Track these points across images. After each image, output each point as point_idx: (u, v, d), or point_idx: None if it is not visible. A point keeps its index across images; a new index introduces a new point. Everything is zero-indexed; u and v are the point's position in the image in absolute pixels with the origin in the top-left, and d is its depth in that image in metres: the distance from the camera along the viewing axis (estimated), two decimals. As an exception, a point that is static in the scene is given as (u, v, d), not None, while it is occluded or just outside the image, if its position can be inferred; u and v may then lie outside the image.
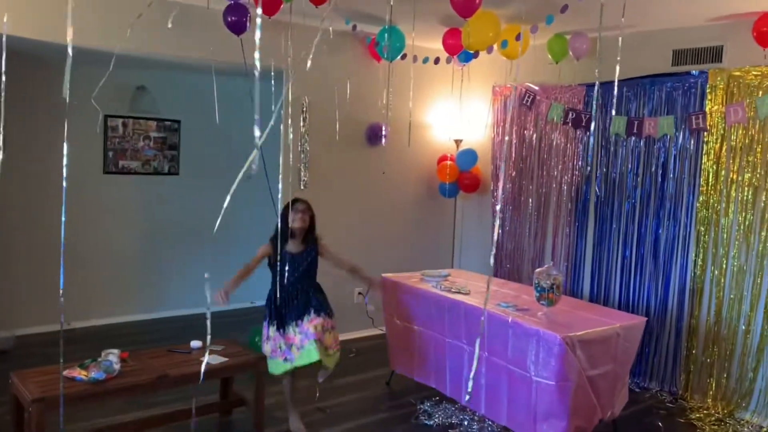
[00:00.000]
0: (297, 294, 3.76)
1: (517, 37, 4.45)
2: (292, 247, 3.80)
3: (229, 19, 4.22)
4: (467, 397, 4.05)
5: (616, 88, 5.00)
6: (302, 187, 5.47)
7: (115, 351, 3.44)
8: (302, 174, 5.50)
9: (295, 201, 3.80)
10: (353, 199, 5.85)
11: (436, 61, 5.25)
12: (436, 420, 4.14)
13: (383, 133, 5.80)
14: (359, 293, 5.93)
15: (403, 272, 4.89)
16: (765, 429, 4.19)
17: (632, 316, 3.94)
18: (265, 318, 3.82)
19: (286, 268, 3.69)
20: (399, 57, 5.00)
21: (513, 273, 5.97)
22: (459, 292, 4.19)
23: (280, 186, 5.41)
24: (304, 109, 5.42)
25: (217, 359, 3.67)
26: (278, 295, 3.73)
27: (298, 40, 5.09)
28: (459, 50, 4.98)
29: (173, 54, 4.91)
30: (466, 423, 4.10)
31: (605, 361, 3.57)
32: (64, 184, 1.91)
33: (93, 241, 5.87)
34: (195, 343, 3.85)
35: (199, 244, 6.51)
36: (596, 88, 5.19)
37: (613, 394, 3.69)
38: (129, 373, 3.32)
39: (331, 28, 5.29)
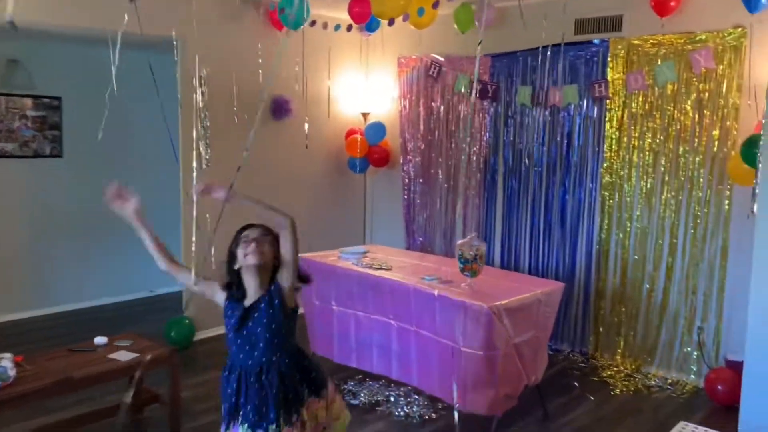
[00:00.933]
0: (268, 373, 2.29)
1: (435, 5, 4.35)
2: (251, 298, 2.34)
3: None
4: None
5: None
6: (204, 166, 5.14)
7: (7, 355, 3.05)
8: (204, 152, 5.17)
9: (249, 224, 2.47)
10: (259, 177, 5.57)
11: (349, 28, 5.07)
12: (362, 398, 4.05)
13: (288, 106, 5.56)
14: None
15: (316, 251, 4.73)
16: (669, 380, 4.44)
17: (551, 282, 4.02)
18: (223, 418, 2.35)
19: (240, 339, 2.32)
20: (306, 24, 4.77)
21: (426, 246, 5.97)
22: (381, 268, 4.10)
23: (180, 166, 5.09)
24: (202, 82, 5.07)
25: (126, 355, 3.37)
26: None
27: (196, 7, 4.79)
28: (366, 19, 4.82)
29: (51, 23, 4.42)
30: (392, 399, 4.05)
31: (529, 327, 3.62)
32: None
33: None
34: (99, 340, 3.51)
35: (89, 232, 6.02)
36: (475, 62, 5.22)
37: (536, 359, 3.76)
38: (27, 379, 2.97)
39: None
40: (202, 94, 5.03)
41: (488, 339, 3.37)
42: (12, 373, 2.92)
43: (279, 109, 5.55)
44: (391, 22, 4.37)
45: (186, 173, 5.08)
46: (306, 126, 5.63)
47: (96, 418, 3.49)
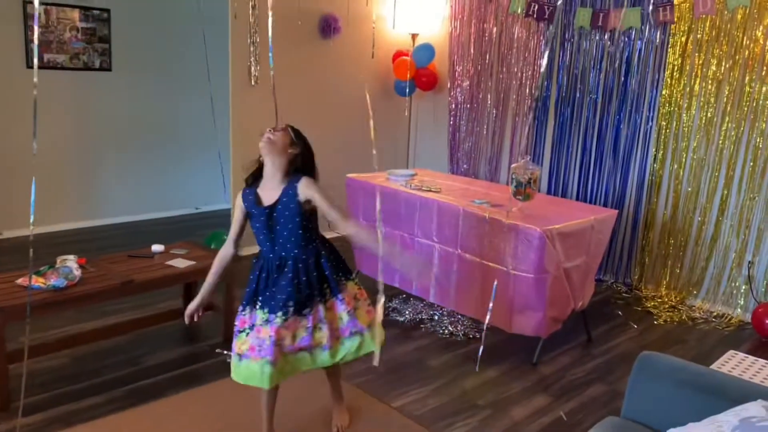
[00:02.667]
0: (283, 268, 2.44)
1: None
2: (265, 193, 2.46)
3: None
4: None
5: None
6: (253, 83, 5.12)
7: (71, 257, 3.17)
8: (252, 69, 5.13)
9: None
10: (307, 97, 5.54)
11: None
12: (407, 316, 4.13)
13: (337, 24, 5.44)
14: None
15: (362, 173, 4.72)
16: (715, 313, 4.42)
17: (604, 210, 3.97)
18: (244, 301, 2.52)
19: (263, 231, 2.46)
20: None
21: (470, 173, 5.92)
22: (430, 191, 4.08)
23: (230, 82, 5.07)
24: (252, -3, 4.97)
25: (183, 263, 3.47)
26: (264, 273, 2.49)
27: None
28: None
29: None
30: (436, 318, 4.12)
31: (580, 253, 3.60)
32: None
33: (18, 145, 5.36)
34: (156, 247, 3.61)
35: (138, 146, 6.11)
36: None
37: (585, 285, 3.76)
38: (91, 280, 3.08)
39: None
40: (253, 8, 4.94)
41: (539, 262, 3.36)
42: (78, 273, 3.03)
43: (327, 27, 5.44)
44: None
45: (235, 90, 5.06)
46: (341, 47, 5.52)
47: (153, 322, 3.63)
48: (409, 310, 4.22)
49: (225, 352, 3.42)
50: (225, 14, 4.95)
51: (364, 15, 5.71)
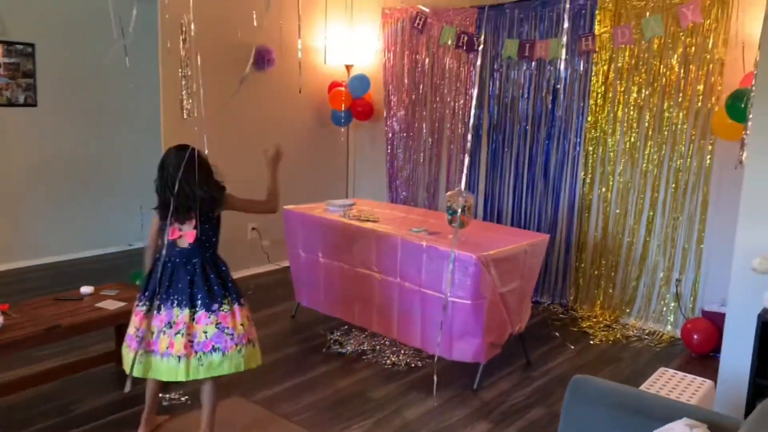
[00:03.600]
0: (187, 265, 2.70)
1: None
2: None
3: None
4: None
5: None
6: (185, 117, 5.05)
7: (-8, 304, 3.02)
8: (184, 103, 5.06)
9: (178, 150, 2.76)
10: (241, 128, 5.50)
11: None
12: (349, 348, 4.10)
13: (271, 56, 5.45)
14: (253, 228, 5.69)
15: (300, 204, 4.71)
16: (647, 331, 4.57)
17: (537, 234, 4.07)
18: (142, 298, 2.74)
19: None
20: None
21: (409, 200, 5.98)
22: (368, 220, 4.10)
23: (161, 116, 5.00)
24: (183, 29, 4.93)
25: (113, 304, 3.35)
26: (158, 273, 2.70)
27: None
28: (352, -33, 4.72)
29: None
30: (378, 348, 4.10)
31: (514, 277, 3.67)
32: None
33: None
34: (85, 289, 3.48)
35: (66, 182, 5.91)
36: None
37: (521, 308, 3.83)
38: (14, 327, 2.93)
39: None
40: (184, 42, 4.90)
41: (476, 288, 3.41)
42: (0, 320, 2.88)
43: (261, 59, 5.44)
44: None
45: (166, 123, 4.98)
46: (275, 78, 5.55)
47: (83, 367, 3.48)
48: (351, 341, 4.19)
49: (161, 395, 3.31)
50: (155, 48, 4.89)
51: (296, 46, 5.73)
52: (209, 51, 5.05)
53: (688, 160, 4.37)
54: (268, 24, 5.37)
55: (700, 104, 4.27)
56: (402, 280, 3.78)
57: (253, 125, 5.56)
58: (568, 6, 4.73)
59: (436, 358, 3.56)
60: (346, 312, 4.23)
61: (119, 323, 3.45)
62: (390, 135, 6.05)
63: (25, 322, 3.00)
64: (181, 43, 4.92)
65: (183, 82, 5.00)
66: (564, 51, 4.75)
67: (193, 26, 4.73)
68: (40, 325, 2.98)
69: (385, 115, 6.04)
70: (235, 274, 5.34)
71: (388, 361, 3.93)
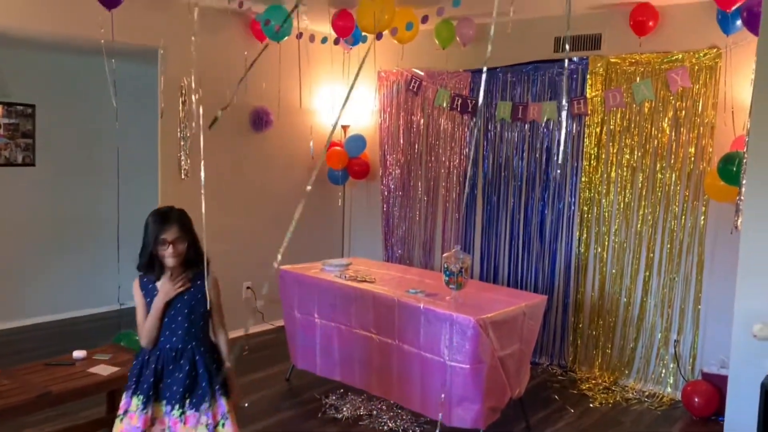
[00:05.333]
0: (179, 359, 2.51)
1: (424, 19, 4.40)
2: (168, 283, 2.55)
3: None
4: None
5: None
6: (183, 177, 5.08)
7: (-17, 370, 2.96)
8: (183, 163, 5.11)
9: (162, 216, 2.52)
10: (239, 188, 5.53)
11: (336, 41, 5.05)
12: (345, 413, 4.02)
13: (269, 117, 5.53)
14: (248, 287, 5.65)
15: (295, 263, 4.70)
16: (647, 393, 4.50)
17: (535, 295, 4.06)
18: (128, 384, 2.56)
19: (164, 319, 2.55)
20: (291, 36, 4.77)
21: (405, 259, 5.97)
22: (365, 281, 4.08)
23: (159, 176, 5.03)
24: (183, 91, 5.02)
25: (106, 369, 3.28)
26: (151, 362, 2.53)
27: (176, 18, 4.76)
28: (349, 32, 4.85)
29: (27, 29, 4.33)
30: (375, 413, 4.02)
31: (513, 340, 3.64)
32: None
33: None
34: (78, 354, 3.42)
35: (60, 243, 5.88)
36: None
37: (520, 372, 3.78)
38: (4, 394, 2.86)
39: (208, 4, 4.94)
40: (183, 103, 4.97)
41: (475, 352, 3.37)
42: (-11, 388, 2.82)
43: (259, 120, 5.51)
44: (379, 36, 4.38)
45: (165, 184, 5.01)
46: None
47: (74, 434, 3.40)
48: (347, 406, 4.11)
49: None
50: (154, 109, 4.96)
51: (295, 108, 5.82)
52: (208, 112, 5.12)
53: (682, 220, 4.41)
54: (267, 85, 5.47)
55: (692, 166, 4.34)
56: (400, 343, 3.74)
57: (251, 185, 5.59)
58: (566, 73, 4.85)
59: (438, 427, 3.49)
60: (344, 374, 4.16)
61: (111, 389, 3.39)
62: (386, 193, 6.09)
63: (15, 389, 2.93)
64: (181, 104, 4.99)
65: (182, 143, 5.06)
66: (558, 113, 4.85)
67: (194, 86, 4.82)
68: (30, 393, 2.91)
69: (380, 173, 6.10)
70: (231, 334, 5.27)
71: (386, 427, 3.85)
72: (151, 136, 5.09)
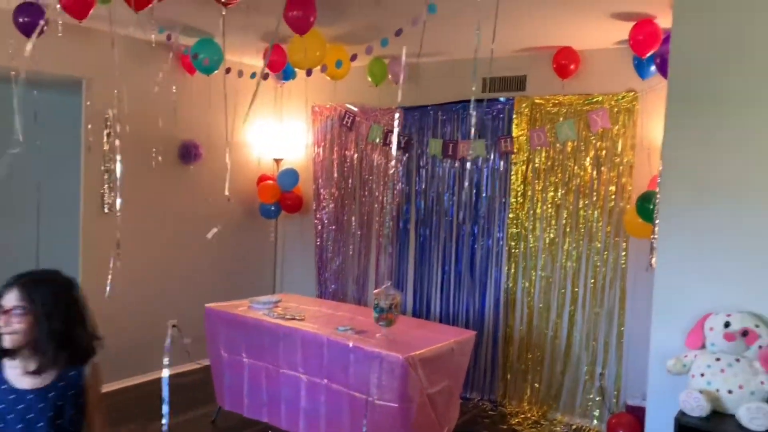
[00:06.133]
0: None
1: (353, 58, 4.44)
2: (18, 375, 1.90)
3: (21, 20, 3.65)
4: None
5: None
6: (106, 211, 4.91)
7: None
8: (106, 197, 4.94)
9: (14, 278, 1.95)
10: (167, 222, 5.38)
11: (265, 76, 5.04)
12: (273, 456, 3.90)
13: (198, 150, 5.43)
14: (173, 325, 5.45)
15: (225, 300, 4.59)
16: (574, 426, 4.58)
17: (463, 331, 4.09)
18: None
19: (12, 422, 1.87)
20: (220, 71, 4.73)
21: (338, 294, 5.93)
22: (294, 318, 4.02)
23: (80, 210, 4.85)
24: (108, 124, 4.88)
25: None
26: None
27: (102, 49, 4.65)
28: (281, 67, 4.84)
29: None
30: (304, 455, 3.92)
31: (442, 377, 3.64)
32: None
33: None
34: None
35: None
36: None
37: (449, 409, 3.78)
38: None
39: (137, 36, 4.85)
40: (108, 136, 4.83)
41: (403, 390, 3.35)
42: None
43: (188, 153, 5.41)
44: (309, 72, 4.40)
45: (87, 220, 4.83)
46: (203, 172, 5.55)
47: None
48: (275, 447, 4.00)
49: None
50: (77, 141, 4.80)
51: (225, 141, 5.74)
52: (134, 145, 5.00)
53: (605, 256, 4.55)
54: (197, 118, 5.39)
55: (612, 204, 4.51)
56: (329, 382, 3.68)
57: (179, 219, 5.45)
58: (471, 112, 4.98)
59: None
60: (271, 415, 4.05)
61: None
62: (319, 228, 6.06)
63: None
64: (105, 136, 4.85)
65: (105, 176, 4.89)
66: (487, 151, 4.97)
67: (117, 122, 4.70)
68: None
69: (314, 207, 6.06)
70: (153, 375, 5.12)
71: (314, 469, 3.75)
72: (73, 170, 4.91)
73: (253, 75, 4.75)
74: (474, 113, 4.27)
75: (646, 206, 3.94)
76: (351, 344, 3.56)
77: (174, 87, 5.02)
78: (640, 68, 4.22)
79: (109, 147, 4.90)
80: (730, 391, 2.49)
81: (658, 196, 2.89)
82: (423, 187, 5.43)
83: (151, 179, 5.21)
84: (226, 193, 3.65)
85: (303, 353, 3.80)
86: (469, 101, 5.08)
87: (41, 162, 5.48)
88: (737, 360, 2.53)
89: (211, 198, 5.33)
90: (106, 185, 4.87)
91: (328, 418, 3.71)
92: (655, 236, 2.85)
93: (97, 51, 4.64)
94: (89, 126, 4.74)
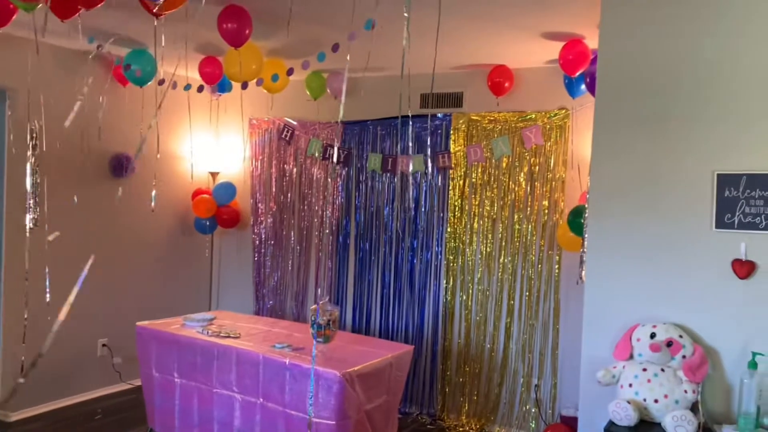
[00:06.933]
0: None
1: (289, 72, 4.41)
2: None
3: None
4: None
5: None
6: (31, 226, 4.69)
7: None
8: (30, 212, 4.72)
9: None
10: (96, 237, 5.17)
11: (200, 88, 4.94)
12: (206, 478, 3.78)
13: (131, 164, 5.27)
14: (103, 345, 5.26)
15: (159, 319, 4.46)
16: (511, 438, 4.64)
17: (401, 345, 4.08)
18: None
19: None
20: (153, 83, 4.62)
21: (276, 310, 5.84)
22: (229, 336, 3.92)
23: (2, 228, 4.62)
24: (34, 135, 4.68)
25: None
26: None
27: (28, 57, 4.46)
28: (217, 79, 4.76)
29: None
30: (238, 477, 3.81)
31: (380, 392, 3.62)
32: None
33: None
34: None
35: None
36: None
37: (387, 425, 3.75)
38: None
39: (64, 46, 4.69)
40: (34, 148, 4.63)
41: (340, 407, 3.31)
42: None
43: (119, 166, 5.24)
44: (244, 86, 4.34)
45: (12, 235, 4.60)
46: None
47: None
48: (209, 469, 3.88)
49: None
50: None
51: (161, 153, 5.61)
52: (62, 157, 4.82)
53: (539, 269, 4.65)
54: (128, 131, 5.23)
55: (546, 218, 4.62)
56: (264, 401, 3.60)
57: (111, 234, 5.25)
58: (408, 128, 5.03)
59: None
60: (204, 436, 3.93)
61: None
62: (257, 242, 5.96)
63: None
64: (30, 149, 4.65)
65: (30, 190, 4.68)
66: (425, 165, 5.02)
67: (41, 134, 4.52)
68: None
69: (252, 222, 5.97)
70: (83, 396, 4.93)
71: (249, 490, 3.66)
72: (-5, 182, 4.69)
73: (187, 87, 4.65)
74: (410, 127, 4.27)
75: (577, 221, 4.05)
76: (287, 361, 3.50)
77: (105, 98, 4.87)
78: (570, 87, 4.36)
79: (34, 160, 4.70)
80: (656, 401, 2.57)
81: (586, 210, 2.97)
82: (362, 201, 5.43)
83: (79, 194, 5.02)
84: (152, 205, 3.53)
85: (238, 372, 3.71)
86: (406, 117, 5.14)
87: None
88: (662, 370, 2.61)
89: (153, 208, 5.20)
90: (31, 200, 4.66)
91: (263, 437, 3.63)
92: (585, 250, 2.93)
93: (22, 60, 4.45)
94: (11, 137, 4.53)
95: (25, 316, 4.42)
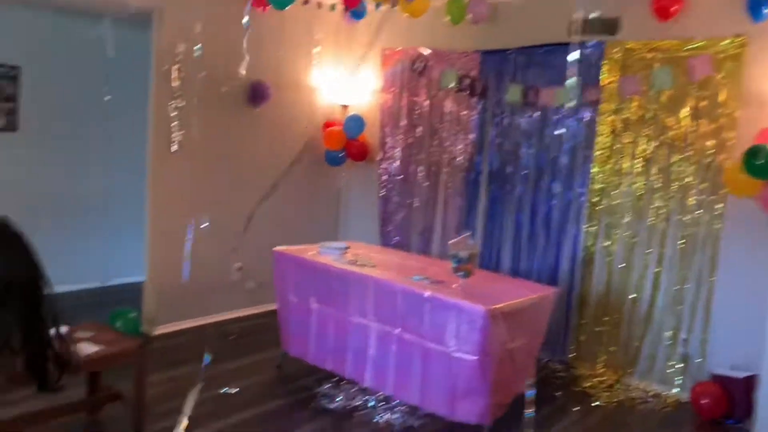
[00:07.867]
0: None
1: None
2: None
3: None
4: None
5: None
6: (174, 149, 4.82)
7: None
8: (173, 135, 4.84)
9: None
10: (230, 164, 5.26)
11: (346, 8, 4.76)
12: (339, 403, 3.81)
13: (267, 92, 5.27)
14: (238, 268, 5.40)
15: (290, 245, 4.47)
16: (651, 392, 4.34)
17: (544, 287, 3.87)
18: None
19: None
20: (297, 3, 4.51)
21: (402, 245, 5.75)
22: (366, 266, 3.86)
23: (149, 149, 4.78)
24: (179, 59, 4.75)
25: (89, 347, 3.05)
26: None
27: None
28: (357, 2, 4.59)
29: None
30: (371, 404, 3.81)
31: (524, 332, 3.45)
32: None
33: None
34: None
35: (40, 213, 5.57)
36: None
37: (528, 366, 3.59)
38: (-26, 371, 2.61)
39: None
40: (178, 71, 4.70)
41: (483, 343, 3.18)
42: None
43: (256, 94, 5.25)
44: (379, 5, 4.12)
45: (155, 157, 4.75)
46: (270, 114, 5.38)
47: (50, 417, 3.15)
48: (341, 395, 3.90)
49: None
50: (144, 77, 4.70)
51: (294, 83, 5.58)
52: (203, 83, 4.87)
53: (698, 216, 4.22)
54: (266, 58, 5.21)
55: (710, 159, 4.16)
56: (402, 332, 3.53)
57: (246, 161, 5.33)
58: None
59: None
60: (336, 364, 3.94)
61: (93, 370, 3.15)
62: (384, 177, 5.86)
63: (-13, 366, 2.68)
64: (176, 72, 4.72)
65: (174, 113, 4.79)
66: (571, 99, 4.65)
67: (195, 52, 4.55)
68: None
69: (380, 157, 5.86)
70: (217, 317, 5.07)
71: (382, 420, 3.64)
72: (141, 106, 4.83)
73: (333, 8, 4.47)
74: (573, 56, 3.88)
75: (753, 162, 3.59)
76: (427, 293, 3.39)
77: (250, 24, 4.83)
78: (754, 8, 3.81)
79: (178, 84, 4.78)
80: None
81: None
82: (498, 137, 5.15)
83: (218, 120, 5.09)
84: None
85: (375, 301, 3.65)
86: (554, 45, 4.75)
87: (111, 97, 5.44)
88: None
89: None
90: (175, 122, 4.76)
91: (397, 368, 3.57)
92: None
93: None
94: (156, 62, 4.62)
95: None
